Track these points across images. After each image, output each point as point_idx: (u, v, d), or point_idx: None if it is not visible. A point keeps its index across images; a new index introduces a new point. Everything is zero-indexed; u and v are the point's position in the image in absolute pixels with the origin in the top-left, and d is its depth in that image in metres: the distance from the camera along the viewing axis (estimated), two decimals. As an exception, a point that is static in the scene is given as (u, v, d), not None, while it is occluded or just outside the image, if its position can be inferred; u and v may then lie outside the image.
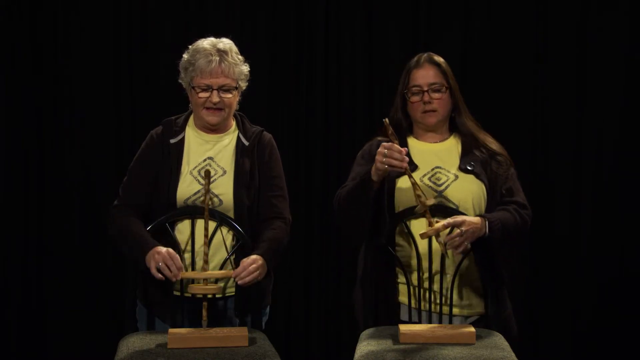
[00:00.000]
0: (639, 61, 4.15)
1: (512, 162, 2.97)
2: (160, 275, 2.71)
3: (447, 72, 2.96)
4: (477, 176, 2.89)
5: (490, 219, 2.77)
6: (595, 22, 4.17)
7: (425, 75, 2.93)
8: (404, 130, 2.98)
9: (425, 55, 2.99)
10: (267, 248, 2.82)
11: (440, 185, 2.89)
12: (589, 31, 4.17)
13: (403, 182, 2.87)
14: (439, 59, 2.97)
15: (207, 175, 2.69)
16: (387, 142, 2.68)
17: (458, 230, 2.69)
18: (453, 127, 3.01)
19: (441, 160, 2.94)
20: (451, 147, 2.98)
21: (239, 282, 2.72)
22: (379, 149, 2.66)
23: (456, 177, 2.89)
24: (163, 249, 2.73)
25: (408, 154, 2.72)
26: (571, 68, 4.18)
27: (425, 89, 2.91)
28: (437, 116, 2.94)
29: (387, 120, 2.67)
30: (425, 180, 2.89)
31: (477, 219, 2.75)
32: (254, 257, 2.75)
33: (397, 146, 2.64)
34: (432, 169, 2.92)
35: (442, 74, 2.94)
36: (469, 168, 2.90)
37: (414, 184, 2.66)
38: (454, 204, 2.86)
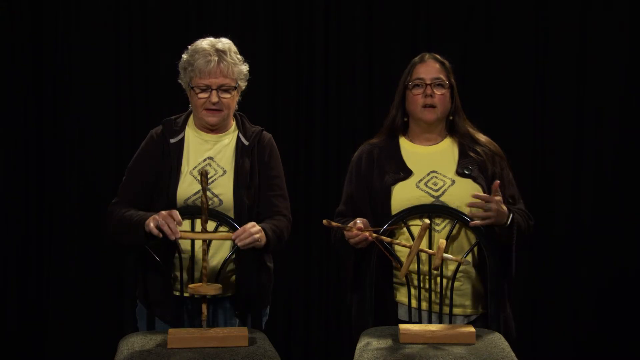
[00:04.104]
0: (639, 61, 4.15)
1: (508, 163, 2.98)
2: (158, 232, 2.66)
3: (450, 72, 2.97)
4: (475, 180, 2.88)
5: (514, 214, 2.79)
6: (595, 22, 4.17)
7: (429, 70, 2.94)
8: (397, 131, 2.99)
9: (429, 53, 3.01)
10: (269, 227, 2.80)
11: (437, 191, 2.87)
12: (589, 31, 4.17)
13: (399, 187, 2.87)
14: (443, 59, 2.99)
15: (203, 175, 2.64)
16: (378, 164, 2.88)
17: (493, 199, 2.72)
18: (450, 130, 3.00)
19: (437, 164, 2.92)
20: (447, 149, 2.97)
21: (239, 244, 2.69)
22: (345, 234, 2.73)
23: (453, 181, 2.88)
24: (164, 211, 2.71)
25: (401, 161, 2.87)
26: (571, 68, 4.19)
27: (428, 82, 2.92)
28: (435, 113, 2.93)
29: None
30: (422, 185, 2.88)
31: (505, 207, 2.76)
32: (254, 222, 2.74)
33: (350, 232, 2.70)
34: (428, 174, 2.91)
35: (445, 72, 2.96)
36: (466, 172, 2.88)
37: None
38: (451, 208, 2.85)
